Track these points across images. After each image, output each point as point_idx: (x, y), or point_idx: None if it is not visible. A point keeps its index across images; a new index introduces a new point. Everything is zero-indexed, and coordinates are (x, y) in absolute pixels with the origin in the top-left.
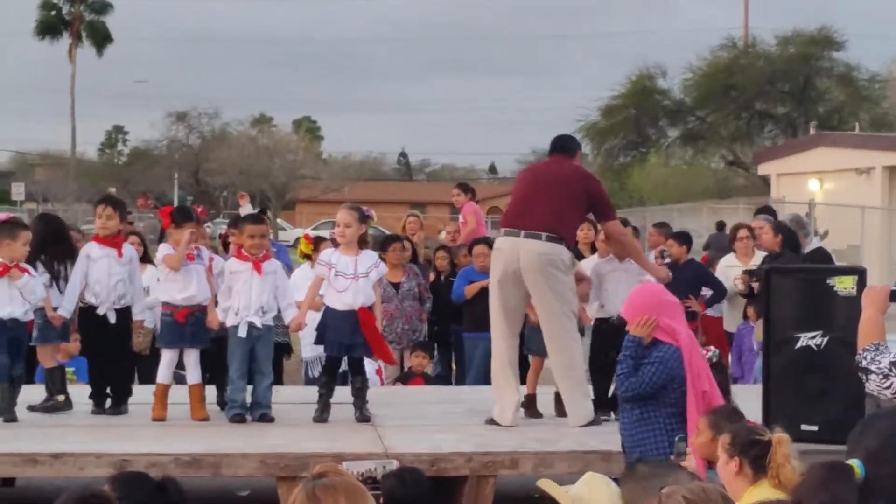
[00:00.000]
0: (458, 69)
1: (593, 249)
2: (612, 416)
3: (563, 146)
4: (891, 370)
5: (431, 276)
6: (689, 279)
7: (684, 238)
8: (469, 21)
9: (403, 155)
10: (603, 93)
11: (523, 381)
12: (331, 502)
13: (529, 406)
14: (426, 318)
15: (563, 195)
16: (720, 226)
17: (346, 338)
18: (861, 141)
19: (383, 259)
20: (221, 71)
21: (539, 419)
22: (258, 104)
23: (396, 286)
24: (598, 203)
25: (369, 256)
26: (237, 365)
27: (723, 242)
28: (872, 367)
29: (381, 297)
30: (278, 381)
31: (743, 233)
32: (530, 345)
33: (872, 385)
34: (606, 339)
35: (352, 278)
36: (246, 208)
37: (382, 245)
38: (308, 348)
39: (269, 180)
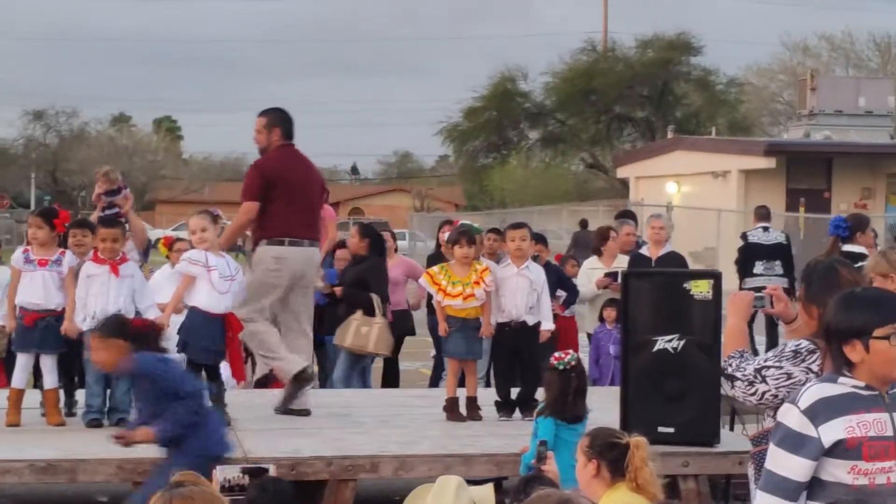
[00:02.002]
0: (321, 70)
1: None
2: (520, 416)
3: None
4: (755, 377)
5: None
6: (550, 281)
7: (542, 239)
8: (333, 22)
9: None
10: (466, 95)
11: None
12: None
13: (456, 408)
14: None
15: None
16: (584, 223)
17: (217, 343)
18: (717, 145)
19: None
20: (81, 69)
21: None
22: (118, 103)
23: None
24: None
25: (230, 261)
26: (94, 370)
27: (587, 240)
28: (738, 374)
29: None
30: None
31: (611, 234)
32: (450, 347)
33: (738, 392)
34: (507, 342)
35: (230, 280)
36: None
37: None
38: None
39: (129, 180)
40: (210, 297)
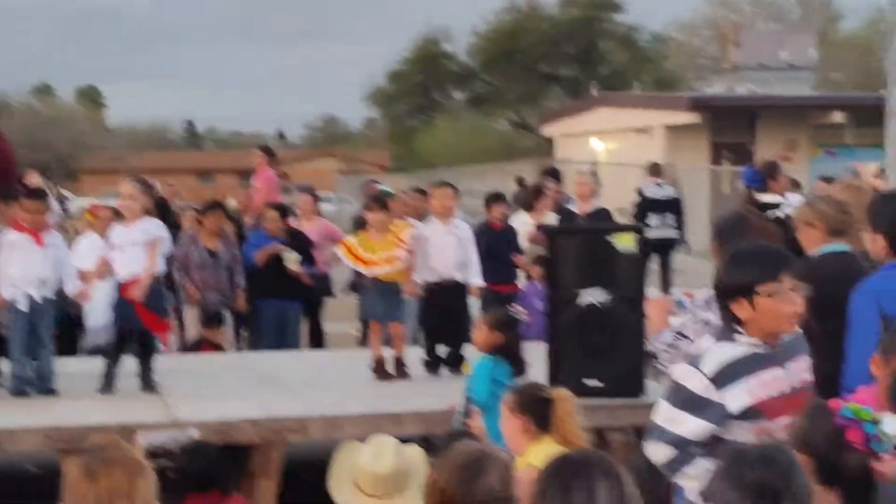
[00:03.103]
0: (245, 35)
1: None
2: (449, 373)
3: None
4: (676, 338)
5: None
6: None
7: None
8: None
9: (189, 123)
10: (390, 58)
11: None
12: (107, 477)
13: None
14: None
15: None
16: (520, 181)
17: (126, 308)
18: (641, 101)
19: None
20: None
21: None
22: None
23: (213, 254)
24: None
25: (147, 224)
26: (18, 339)
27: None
28: (658, 346)
29: (198, 263)
30: (71, 353)
31: (546, 191)
32: (370, 308)
33: (663, 364)
34: (436, 300)
35: (121, 250)
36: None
37: (203, 210)
38: (93, 319)
39: (53, 151)
40: (118, 268)
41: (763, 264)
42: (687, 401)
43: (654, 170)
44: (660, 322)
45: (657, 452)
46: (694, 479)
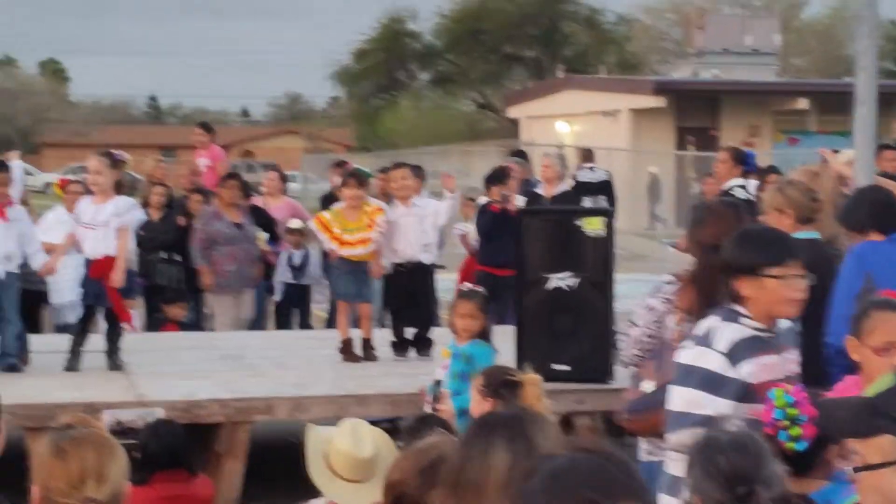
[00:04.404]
0: (209, 11)
1: None
2: (416, 355)
3: None
4: (629, 325)
5: (182, 221)
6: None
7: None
8: None
9: (153, 98)
10: (355, 37)
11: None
12: (78, 456)
13: (350, 349)
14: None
15: None
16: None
17: (96, 286)
18: (606, 84)
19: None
20: None
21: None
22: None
23: (239, 226)
24: None
25: (116, 203)
26: None
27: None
28: (634, 320)
29: (223, 239)
30: (37, 329)
31: (511, 173)
32: (339, 289)
33: (622, 353)
34: (402, 282)
35: (90, 227)
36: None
37: (220, 182)
38: (58, 295)
39: (14, 124)
40: (86, 245)
41: (774, 247)
42: (706, 380)
43: (586, 156)
44: None
45: (686, 439)
46: None
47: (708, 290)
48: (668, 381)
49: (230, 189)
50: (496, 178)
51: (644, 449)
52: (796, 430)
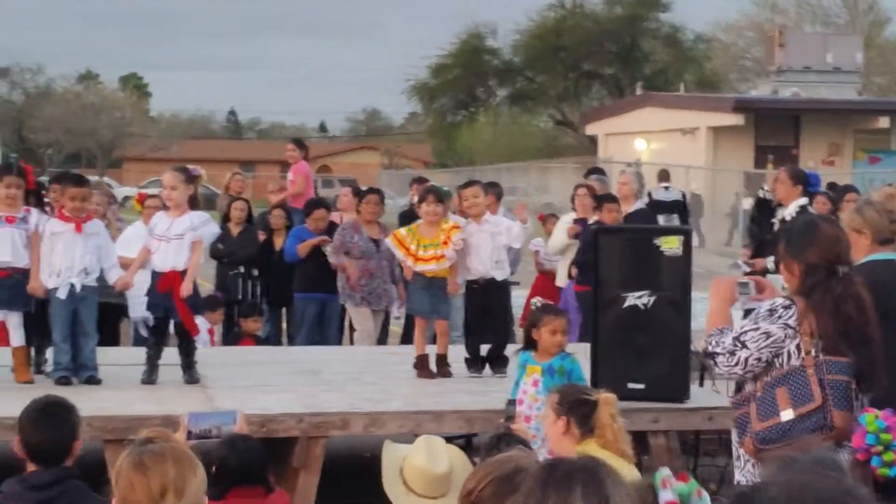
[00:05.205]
0: (286, 28)
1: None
2: (490, 372)
3: None
4: (735, 345)
5: (262, 236)
6: None
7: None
8: None
9: (232, 113)
10: (432, 52)
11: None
12: (158, 470)
13: (426, 365)
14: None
15: None
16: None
17: (164, 299)
18: (686, 101)
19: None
20: (45, 26)
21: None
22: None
23: (376, 242)
24: None
25: (192, 218)
26: (60, 327)
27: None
28: (718, 350)
29: (359, 252)
30: (114, 342)
31: (581, 191)
32: (415, 304)
33: (722, 367)
34: (476, 299)
35: (163, 240)
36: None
37: (360, 197)
38: (136, 308)
39: (96, 138)
40: (155, 258)
41: None
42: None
43: (663, 175)
44: (724, 299)
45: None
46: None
47: (842, 315)
48: (808, 412)
49: (370, 204)
50: (607, 196)
51: (749, 472)
52: (890, 456)
